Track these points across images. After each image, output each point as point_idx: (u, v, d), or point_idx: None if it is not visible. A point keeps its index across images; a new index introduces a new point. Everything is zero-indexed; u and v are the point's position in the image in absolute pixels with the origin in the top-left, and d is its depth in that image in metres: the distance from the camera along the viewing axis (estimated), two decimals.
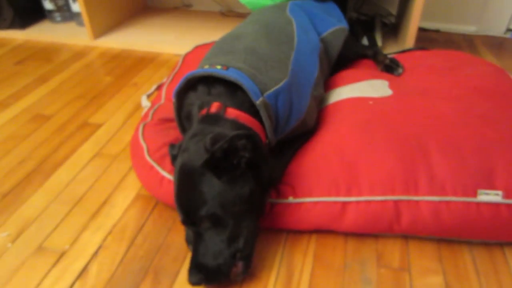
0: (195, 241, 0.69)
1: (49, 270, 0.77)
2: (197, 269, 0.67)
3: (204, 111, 0.78)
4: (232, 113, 0.76)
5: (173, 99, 0.83)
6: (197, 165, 0.68)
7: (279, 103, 0.81)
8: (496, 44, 1.68)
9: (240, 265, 0.70)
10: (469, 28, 1.80)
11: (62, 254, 0.80)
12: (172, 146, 0.81)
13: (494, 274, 0.75)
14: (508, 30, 1.76)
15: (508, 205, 0.74)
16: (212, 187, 0.67)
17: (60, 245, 0.82)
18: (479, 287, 0.72)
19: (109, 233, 0.84)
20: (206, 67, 0.81)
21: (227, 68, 0.79)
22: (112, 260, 0.78)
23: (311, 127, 0.94)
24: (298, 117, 0.87)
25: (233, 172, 0.69)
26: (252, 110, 0.78)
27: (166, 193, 0.85)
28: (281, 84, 0.83)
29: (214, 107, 0.77)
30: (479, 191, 0.75)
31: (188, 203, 0.69)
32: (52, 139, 1.15)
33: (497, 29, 1.76)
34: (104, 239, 0.83)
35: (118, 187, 0.96)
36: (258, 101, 0.77)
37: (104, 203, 0.92)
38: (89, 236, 0.84)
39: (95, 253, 0.80)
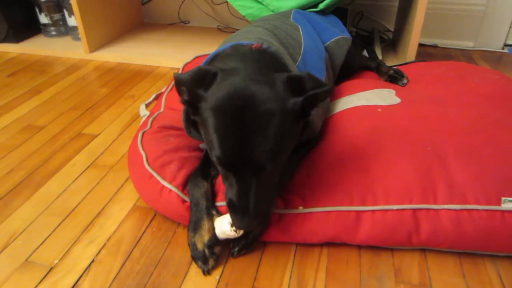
0: (248, 186, 0.62)
1: (36, 287, 0.69)
2: (254, 215, 0.63)
3: (248, 47, 0.72)
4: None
5: None
6: (282, 106, 0.61)
7: None
8: (494, 58, 1.68)
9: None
10: (467, 44, 1.80)
11: (50, 269, 0.73)
12: (196, 73, 0.65)
13: None
14: (506, 45, 1.77)
15: None
16: (289, 133, 0.63)
17: (48, 260, 0.75)
18: None
19: (103, 246, 0.77)
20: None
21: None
22: (105, 276, 0.71)
23: (317, 132, 0.90)
24: None
25: (303, 120, 0.66)
26: None
27: (165, 204, 0.79)
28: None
29: (258, 45, 0.72)
30: (503, 198, 0.70)
31: (263, 148, 0.60)
32: (44, 149, 1.09)
33: (495, 45, 1.77)
34: (97, 253, 0.76)
35: (113, 198, 0.90)
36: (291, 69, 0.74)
37: (98, 215, 0.85)
38: (81, 250, 0.77)
39: (87, 268, 0.73)
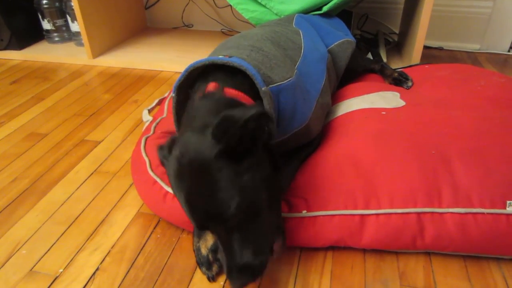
0: (227, 242, 0.60)
1: None
2: (241, 271, 0.59)
3: (200, 94, 0.70)
4: (231, 92, 0.69)
5: (173, 94, 0.78)
6: (209, 158, 0.58)
7: (281, 99, 0.76)
8: (500, 61, 1.67)
9: (279, 240, 0.64)
10: (473, 46, 1.79)
11: (55, 278, 0.73)
12: (160, 147, 0.67)
13: None
14: None
15: None
16: (235, 179, 0.58)
17: (53, 269, 0.75)
18: None
19: (107, 254, 0.78)
20: None
21: (230, 57, 0.74)
22: (110, 284, 0.71)
23: (316, 135, 0.90)
24: (302, 121, 0.82)
25: (252, 157, 0.60)
26: (251, 94, 0.71)
27: (169, 210, 0.79)
28: (285, 81, 0.78)
29: (211, 87, 0.69)
30: (509, 202, 0.70)
31: (213, 203, 0.58)
32: (47, 157, 1.09)
33: (501, 47, 1.76)
34: (102, 261, 0.76)
35: (117, 205, 0.90)
36: (263, 88, 0.70)
37: (102, 222, 0.85)
38: (85, 258, 0.77)
39: (92, 276, 0.73)
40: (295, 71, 0.84)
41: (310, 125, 0.84)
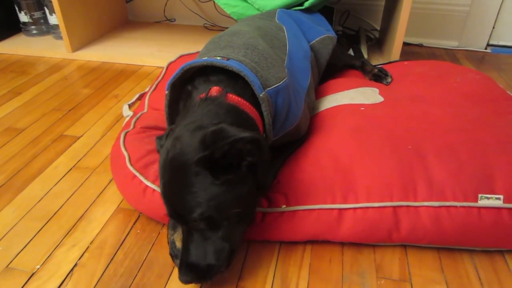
0: (186, 239, 0.65)
1: None
2: (189, 268, 0.64)
3: (202, 95, 0.71)
4: (233, 99, 0.70)
5: (166, 91, 0.78)
6: (191, 160, 0.61)
7: (279, 101, 0.78)
8: (478, 58, 1.72)
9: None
10: (451, 43, 1.83)
11: (32, 275, 0.72)
12: (159, 137, 0.75)
13: (497, 283, 0.71)
14: (489, 45, 1.80)
15: (509, 209, 0.71)
16: (207, 188, 0.61)
17: (30, 265, 0.74)
18: None
19: (86, 250, 0.77)
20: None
21: (228, 59, 0.74)
22: (89, 280, 0.71)
23: (303, 133, 0.91)
24: (294, 120, 0.83)
25: (232, 174, 0.63)
26: (252, 101, 0.73)
27: (149, 204, 0.79)
28: (281, 82, 0.79)
29: (214, 91, 0.71)
30: (480, 195, 0.72)
31: (180, 202, 0.63)
32: (25, 152, 1.07)
33: (478, 44, 1.80)
34: (80, 257, 0.75)
35: (96, 201, 0.89)
36: (261, 94, 0.72)
37: (81, 218, 0.85)
38: (64, 254, 0.76)
39: (70, 272, 0.72)
40: (285, 70, 0.84)
41: (300, 124, 0.86)
